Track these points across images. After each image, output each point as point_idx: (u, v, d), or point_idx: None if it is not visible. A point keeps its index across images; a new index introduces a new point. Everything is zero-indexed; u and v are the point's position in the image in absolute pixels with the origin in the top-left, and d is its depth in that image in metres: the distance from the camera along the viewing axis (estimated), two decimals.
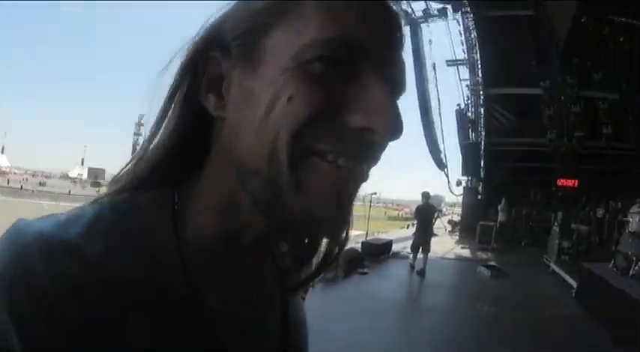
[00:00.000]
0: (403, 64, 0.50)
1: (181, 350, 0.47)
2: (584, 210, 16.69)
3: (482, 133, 22.10)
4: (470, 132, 22.80)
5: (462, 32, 21.61)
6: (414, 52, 22.00)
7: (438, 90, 23.57)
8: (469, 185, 23.53)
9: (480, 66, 21.35)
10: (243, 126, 0.46)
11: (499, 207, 18.31)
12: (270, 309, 0.60)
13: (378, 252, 12.07)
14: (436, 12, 21.45)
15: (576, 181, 18.57)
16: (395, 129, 0.44)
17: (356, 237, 17.12)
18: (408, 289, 10.09)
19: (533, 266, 12.97)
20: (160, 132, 0.51)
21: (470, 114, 22.64)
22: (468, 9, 20.40)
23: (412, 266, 10.96)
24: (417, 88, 22.64)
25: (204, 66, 0.50)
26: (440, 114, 23.85)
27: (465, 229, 20.88)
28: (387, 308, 7.81)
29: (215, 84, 0.49)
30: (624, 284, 7.30)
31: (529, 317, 7.70)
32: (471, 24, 20.91)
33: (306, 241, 0.61)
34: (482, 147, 22.22)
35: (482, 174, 22.66)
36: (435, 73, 23.25)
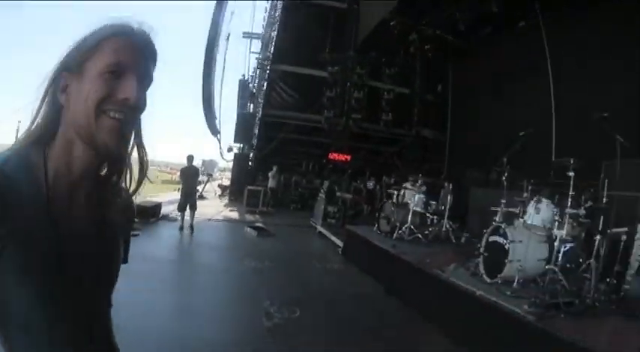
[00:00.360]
0: (149, 68, 1.00)
1: (37, 227, 0.88)
2: (356, 181, 18.62)
3: (261, 105, 22.35)
4: (248, 103, 22.97)
5: (268, 9, 21.87)
6: (213, 20, 21.91)
7: (225, 60, 23.39)
8: (241, 151, 23.66)
9: (274, 43, 21.67)
10: (76, 106, 0.93)
11: (270, 174, 18.82)
12: (94, 219, 1.01)
13: (148, 214, 11.77)
14: None
15: (349, 156, 20.88)
16: (138, 98, 0.94)
17: None
18: (179, 249, 10.14)
19: (301, 227, 13.91)
20: (40, 114, 0.97)
21: (252, 85, 22.77)
22: None
23: (181, 228, 11.22)
24: (205, 55, 22.12)
25: (58, 80, 0.95)
26: (222, 82, 23.56)
27: (234, 193, 21.07)
28: (161, 268, 7.73)
29: (64, 89, 0.95)
30: (387, 244, 8.36)
31: (299, 271, 8.37)
32: (280, 4, 21.43)
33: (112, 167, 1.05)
34: (259, 118, 22.47)
35: (254, 142, 22.90)
36: (227, 43, 23.43)
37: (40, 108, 0.97)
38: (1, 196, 0.84)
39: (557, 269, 5.61)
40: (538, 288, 5.45)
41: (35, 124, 0.97)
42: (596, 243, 5.73)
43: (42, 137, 0.96)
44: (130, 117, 0.96)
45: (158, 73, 1.02)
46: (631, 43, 11.48)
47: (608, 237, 5.79)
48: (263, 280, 7.38)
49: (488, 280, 5.89)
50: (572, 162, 5.86)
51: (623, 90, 11.45)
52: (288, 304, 5.75)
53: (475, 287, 5.62)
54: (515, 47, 15.78)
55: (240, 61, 25.18)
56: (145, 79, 0.98)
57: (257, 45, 24.31)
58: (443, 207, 9.82)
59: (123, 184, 1.08)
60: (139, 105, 0.96)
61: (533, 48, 14.42)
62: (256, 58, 23.14)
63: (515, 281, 5.60)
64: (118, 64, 0.93)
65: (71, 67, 0.94)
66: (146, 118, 1.03)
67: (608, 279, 5.67)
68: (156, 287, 6.36)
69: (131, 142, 1.03)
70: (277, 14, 21.54)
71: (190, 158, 11.54)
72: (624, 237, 5.82)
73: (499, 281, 5.73)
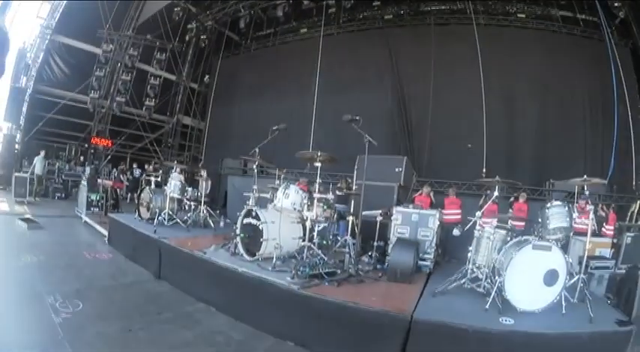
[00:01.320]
0: None
1: None
2: (116, 167, 18.02)
3: (33, 78, 19.62)
4: (22, 76, 19.96)
5: None
6: None
7: (11, 23, 19.75)
8: (11, 133, 20.41)
9: (61, 10, 19.11)
10: None
11: (36, 159, 16.43)
12: None
13: None
14: None
15: (110, 142, 19.83)
16: None
17: None
18: None
19: (68, 218, 12.79)
20: None
21: (30, 56, 19.88)
22: None
23: None
24: None
25: None
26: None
27: (2, 181, 17.99)
28: None
29: None
30: (149, 230, 8.22)
31: (73, 263, 7.76)
32: None
33: None
34: (28, 94, 19.70)
35: (22, 122, 19.99)
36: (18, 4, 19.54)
37: None
38: None
39: (312, 245, 6.15)
40: (298, 262, 5.78)
41: None
42: (350, 222, 6.74)
43: None
44: None
45: None
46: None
47: (361, 218, 6.59)
48: (41, 275, 6.84)
49: (249, 258, 6.20)
50: (318, 155, 6.42)
51: (374, 98, 14.09)
52: (70, 297, 5.60)
53: (237, 265, 5.87)
54: (290, 51, 17.35)
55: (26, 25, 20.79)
56: None
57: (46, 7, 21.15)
58: (199, 194, 9.99)
59: None
60: None
61: (309, 55, 15.69)
62: (40, 25, 20.24)
63: (275, 257, 5.91)
64: None
65: None
66: None
67: (370, 253, 6.86)
68: None
69: None
70: None
71: None
72: (380, 218, 6.95)
73: (260, 259, 6.08)
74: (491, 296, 4.72)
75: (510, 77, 13.04)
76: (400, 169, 8.86)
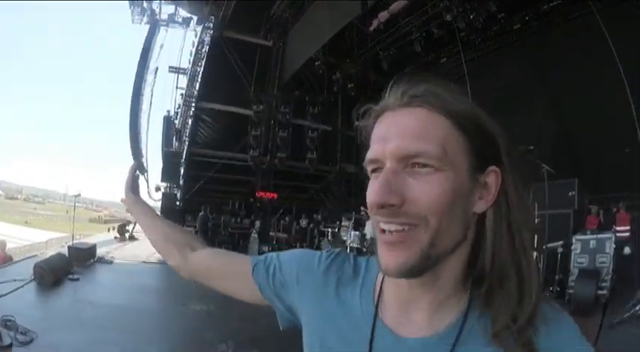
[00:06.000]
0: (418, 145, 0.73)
1: (356, 336, 0.80)
2: (284, 219, 18.83)
3: (186, 143, 22.15)
4: (174, 140, 22.50)
5: (195, 43, 21.82)
6: (143, 51, 21.15)
7: (152, 94, 22.75)
8: (168, 191, 23.08)
9: (199, 79, 21.65)
10: None
11: (200, 215, 18.36)
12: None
13: (85, 257, 11.09)
14: (180, 19, 21.51)
15: (275, 194, 20.98)
16: (384, 198, 0.69)
17: (59, 239, 14.73)
18: (123, 293, 9.40)
19: None
20: None
21: (177, 122, 22.46)
22: (211, 25, 20.98)
23: None
24: (134, 90, 21.43)
25: None
26: (148, 118, 22.95)
27: None
28: (110, 314, 7.18)
29: None
30: None
31: (248, 311, 7.67)
32: (207, 39, 21.38)
33: None
34: (184, 156, 22.21)
35: (181, 182, 22.56)
36: (155, 78, 22.54)
37: None
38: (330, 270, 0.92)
39: None
40: None
41: None
42: (534, 258, 6.55)
43: None
44: (409, 230, 0.66)
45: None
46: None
47: (544, 251, 6.75)
48: (212, 323, 7.06)
49: None
50: None
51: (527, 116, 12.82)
52: (244, 345, 5.68)
53: None
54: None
55: (166, 96, 22.90)
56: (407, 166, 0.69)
57: (182, 79, 23.89)
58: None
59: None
60: (382, 204, 0.66)
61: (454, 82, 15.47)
62: (181, 94, 22.87)
63: None
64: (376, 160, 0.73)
65: None
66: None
67: (551, 288, 6.66)
68: (109, 334, 6.03)
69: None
70: (204, 49, 21.62)
71: None
72: (560, 249, 6.90)
73: None
74: None
75: None
76: (573, 193, 8.53)
